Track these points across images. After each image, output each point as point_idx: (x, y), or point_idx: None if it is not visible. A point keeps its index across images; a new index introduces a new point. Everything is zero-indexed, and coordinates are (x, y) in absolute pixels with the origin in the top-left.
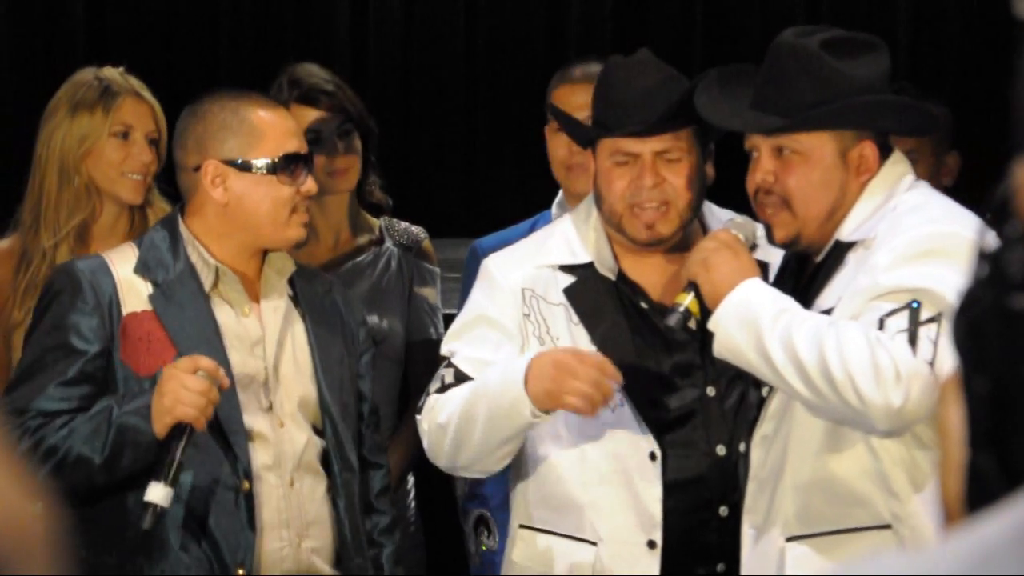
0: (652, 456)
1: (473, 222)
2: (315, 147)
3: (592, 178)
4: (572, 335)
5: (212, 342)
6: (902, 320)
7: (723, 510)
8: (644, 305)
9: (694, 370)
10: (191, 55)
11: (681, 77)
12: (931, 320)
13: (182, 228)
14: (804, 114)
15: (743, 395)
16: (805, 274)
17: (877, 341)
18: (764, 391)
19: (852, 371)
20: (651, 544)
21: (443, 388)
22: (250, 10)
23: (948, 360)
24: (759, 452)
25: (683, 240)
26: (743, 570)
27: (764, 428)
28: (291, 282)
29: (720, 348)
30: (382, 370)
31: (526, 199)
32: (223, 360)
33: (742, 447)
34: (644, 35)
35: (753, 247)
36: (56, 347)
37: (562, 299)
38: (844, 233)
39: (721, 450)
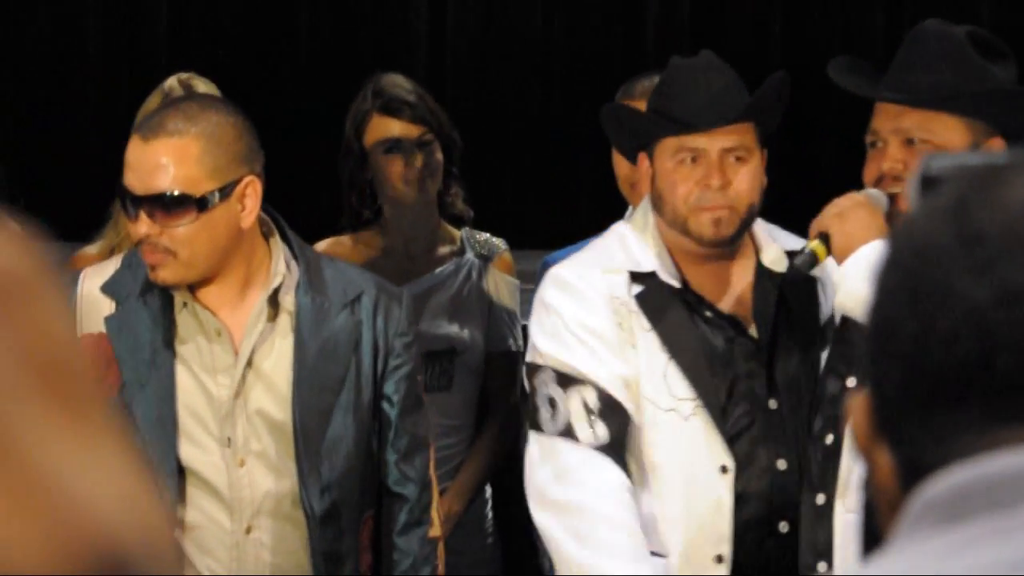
0: (723, 469)
1: (548, 235)
2: (395, 155)
3: (647, 178)
4: (645, 343)
5: (161, 368)
6: None
7: (783, 526)
8: (709, 314)
9: (758, 381)
10: (269, 63)
11: (738, 77)
12: None
13: None
14: (941, 95)
15: (806, 408)
16: None
17: None
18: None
19: None
20: (719, 559)
21: (590, 419)
22: (327, 19)
23: None
24: (817, 466)
25: (736, 250)
26: None
27: (825, 439)
28: (297, 292)
29: (845, 301)
30: (461, 380)
31: (603, 213)
32: (169, 389)
33: (801, 461)
34: (721, 46)
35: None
36: None
37: (634, 306)
38: None
39: (782, 464)
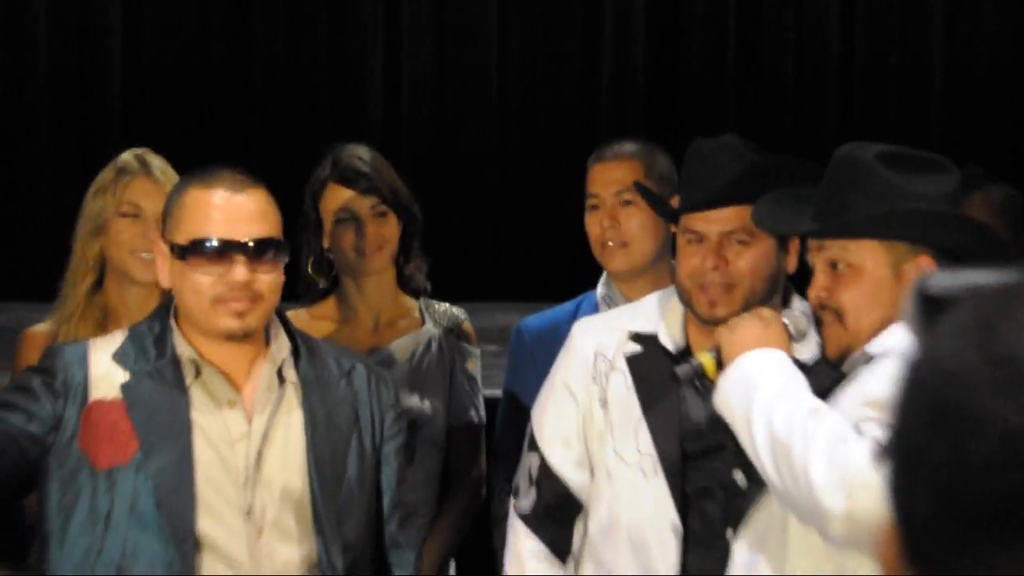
0: (675, 530)
1: (503, 287)
2: (348, 226)
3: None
4: (624, 402)
5: (180, 438)
6: (879, 430)
7: None
8: (697, 384)
9: (727, 452)
10: (222, 134)
11: (759, 159)
12: None
13: (171, 318)
14: (853, 223)
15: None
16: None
17: (843, 439)
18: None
19: (808, 459)
20: None
21: (530, 484)
22: (285, 87)
23: None
24: (744, 548)
25: None
26: None
27: (755, 521)
28: (296, 366)
29: (718, 404)
30: (423, 455)
31: (562, 264)
32: (187, 459)
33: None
34: (675, 89)
35: (796, 339)
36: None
37: (623, 366)
38: (874, 345)
39: (729, 534)
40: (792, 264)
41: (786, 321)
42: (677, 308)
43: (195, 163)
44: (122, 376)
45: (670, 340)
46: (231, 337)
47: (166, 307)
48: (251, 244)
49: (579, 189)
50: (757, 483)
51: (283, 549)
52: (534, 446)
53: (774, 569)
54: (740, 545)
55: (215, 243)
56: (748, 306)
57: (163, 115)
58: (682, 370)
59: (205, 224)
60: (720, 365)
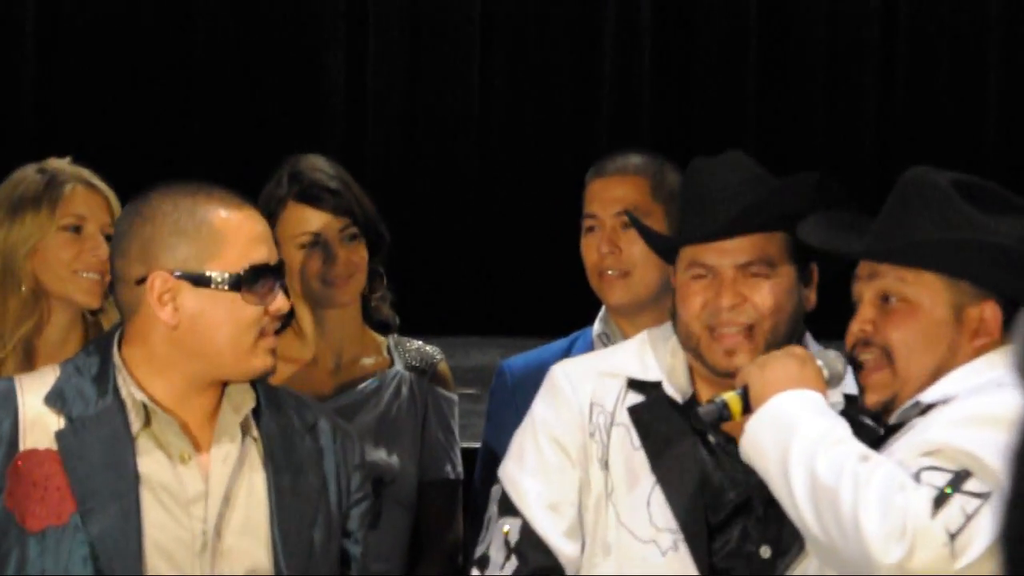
0: None
1: (483, 320)
2: (312, 250)
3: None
4: (629, 462)
5: (125, 497)
6: (940, 479)
7: None
8: (712, 439)
9: (754, 524)
10: (156, 141)
11: (771, 178)
12: (976, 495)
13: (115, 354)
14: (915, 247)
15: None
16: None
17: (900, 487)
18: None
19: (859, 507)
20: None
21: (508, 553)
22: (227, 78)
23: (977, 543)
24: None
25: None
26: None
27: None
28: (257, 418)
29: (746, 447)
30: (390, 516)
31: (553, 296)
32: (134, 521)
33: None
34: (686, 92)
35: (830, 384)
36: None
37: (625, 418)
38: (928, 394)
39: None
40: (812, 300)
41: (820, 363)
42: (675, 355)
43: (121, 175)
44: (56, 422)
45: (675, 389)
46: (259, 378)
47: (106, 340)
48: (281, 268)
49: (575, 208)
50: (783, 555)
51: None
52: (511, 510)
53: None
54: None
55: (266, 269)
56: (769, 351)
57: (78, 117)
58: (705, 411)
59: (250, 248)
60: (747, 407)
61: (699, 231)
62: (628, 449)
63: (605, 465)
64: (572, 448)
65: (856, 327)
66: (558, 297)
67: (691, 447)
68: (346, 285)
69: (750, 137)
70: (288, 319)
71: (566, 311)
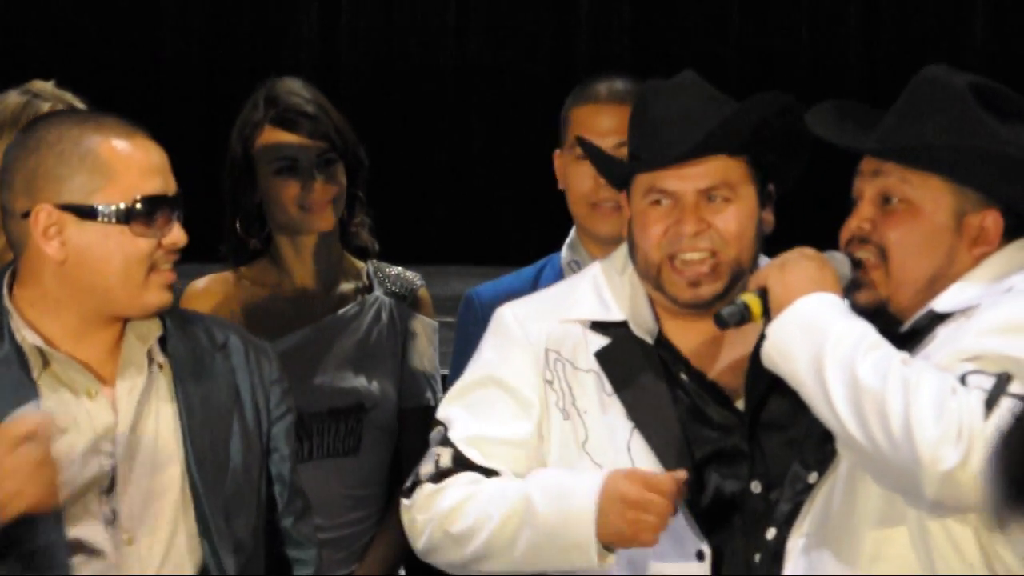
0: (699, 555)
1: (462, 248)
2: (290, 176)
3: (626, 222)
4: (604, 408)
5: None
6: (986, 382)
7: None
8: (684, 376)
9: (739, 459)
10: (130, 66)
11: (730, 100)
12: (1021, 397)
13: (5, 298)
14: (924, 149)
15: (793, 493)
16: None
17: (952, 390)
18: (811, 477)
19: (912, 411)
20: None
21: (438, 474)
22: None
23: None
24: (796, 558)
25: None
26: None
27: (804, 526)
28: (164, 345)
29: (771, 351)
30: (371, 441)
31: (534, 223)
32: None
33: (779, 551)
34: (665, 24)
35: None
36: None
37: (593, 364)
38: (941, 303)
39: (757, 558)
40: (771, 221)
41: (839, 265)
42: (634, 289)
43: (99, 102)
44: None
45: (642, 329)
46: (153, 314)
47: None
48: (179, 200)
49: (552, 132)
50: (774, 489)
51: (156, 552)
52: (448, 443)
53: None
54: (796, 552)
55: (160, 201)
56: (734, 280)
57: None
58: (728, 313)
59: (141, 179)
60: (766, 310)
61: (658, 157)
62: (601, 396)
63: (568, 414)
64: (527, 392)
65: (854, 223)
66: (537, 226)
67: (666, 388)
68: (323, 211)
69: (731, 54)
70: (266, 245)
71: (544, 240)
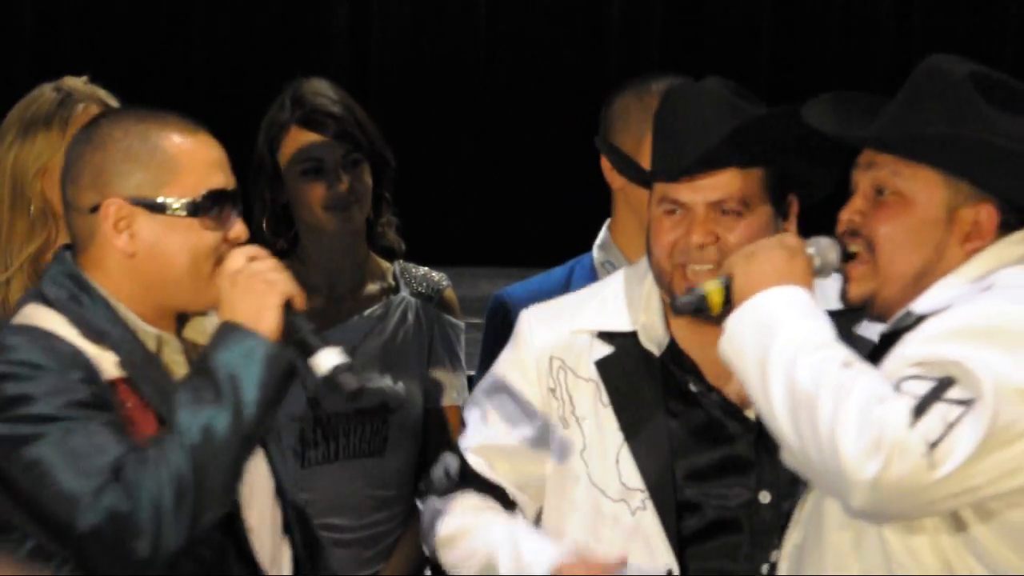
0: (669, 575)
1: (491, 249)
2: (316, 177)
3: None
4: (598, 417)
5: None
6: (921, 388)
7: None
8: (693, 388)
9: (746, 469)
10: (162, 63)
11: (753, 106)
12: (960, 402)
13: (97, 286)
14: (914, 140)
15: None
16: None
17: (880, 399)
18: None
19: (839, 418)
20: None
21: (446, 488)
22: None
23: (959, 451)
24: (788, 565)
25: None
26: None
27: (794, 535)
28: None
29: (724, 346)
30: (397, 443)
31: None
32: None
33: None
34: (698, 22)
35: (821, 273)
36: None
37: (593, 373)
38: (920, 304)
39: (765, 569)
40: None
41: (811, 251)
42: (650, 297)
43: (131, 99)
44: (105, 355)
45: (651, 341)
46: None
47: (68, 271)
48: (239, 195)
49: (587, 132)
50: (786, 499)
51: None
52: (457, 451)
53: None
54: (784, 560)
55: (224, 195)
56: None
57: (83, 46)
58: (683, 302)
59: (207, 174)
60: (728, 300)
61: (669, 167)
62: (597, 406)
63: (567, 423)
64: (531, 400)
65: (845, 215)
66: (566, 228)
67: (663, 401)
68: (349, 211)
69: (764, 57)
70: (293, 245)
71: (572, 242)
